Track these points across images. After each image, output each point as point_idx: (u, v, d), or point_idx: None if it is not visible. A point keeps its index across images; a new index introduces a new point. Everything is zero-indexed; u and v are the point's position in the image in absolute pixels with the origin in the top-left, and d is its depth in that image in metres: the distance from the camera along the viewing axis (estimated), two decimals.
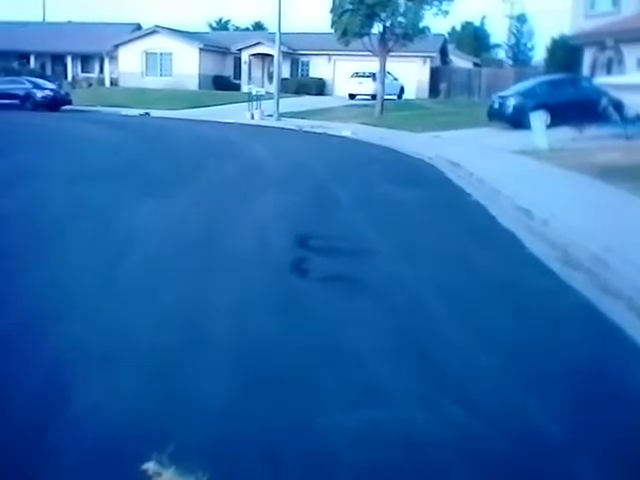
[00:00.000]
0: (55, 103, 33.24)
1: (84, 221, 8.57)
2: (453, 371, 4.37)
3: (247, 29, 71.20)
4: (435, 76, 43.96)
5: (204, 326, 5.03)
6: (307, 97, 40.04)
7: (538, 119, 17.90)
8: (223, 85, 45.84)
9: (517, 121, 21.22)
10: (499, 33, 65.05)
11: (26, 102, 32.69)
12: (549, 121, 18.90)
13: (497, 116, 23.19)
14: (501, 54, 65.09)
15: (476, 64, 52.62)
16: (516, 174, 13.45)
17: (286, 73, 43.39)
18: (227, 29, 73.44)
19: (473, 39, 64.66)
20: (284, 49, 36.82)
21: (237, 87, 45.24)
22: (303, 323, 5.21)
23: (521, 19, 60.95)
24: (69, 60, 51.12)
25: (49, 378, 4.06)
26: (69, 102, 34.29)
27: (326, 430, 3.51)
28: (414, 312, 5.52)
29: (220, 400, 3.84)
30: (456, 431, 3.57)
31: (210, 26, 74.86)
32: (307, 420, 3.62)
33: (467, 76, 44.67)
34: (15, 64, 47.15)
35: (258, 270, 6.62)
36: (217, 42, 49.33)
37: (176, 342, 4.68)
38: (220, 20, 79.08)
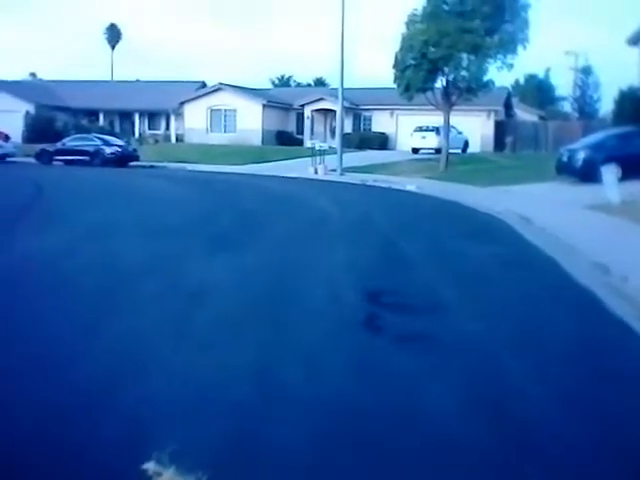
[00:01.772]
0: (123, 159, 33.99)
1: (157, 276, 8.55)
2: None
3: (309, 85, 72.30)
4: (500, 129, 43.67)
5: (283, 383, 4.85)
6: (370, 151, 40.13)
7: (610, 172, 17.41)
8: (286, 140, 46.36)
9: (587, 175, 20.72)
10: (564, 85, 64.45)
11: (95, 158, 33.53)
12: (620, 174, 18.37)
13: (566, 170, 22.71)
14: (566, 107, 64.46)
15: (541, 117, 52.15)
16: (589, 229, 13.01)
17: (348, 128, 43.67)
18: (289, 85, 74.77)
19: (537, 92, 64.31)
20: (346, 104, 37.07)
21: (300, 142, 45.67)
22: (380, 383, 4.94)
23: (586, 71, 60.33)
24: (136, 117, 52.50)
25: None
26: (137, 158, 35.04)
27: None
28: (493, 375, 5.21)
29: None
30: None
31: (272, 83, 76.42)
32: None
33: (533, 129, 44.27)
34: (85, 121, 48.65)
35: (330, 327, 6.45)
36: (280, 98, 50.11)
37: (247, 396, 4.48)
38: (282, 77, 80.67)
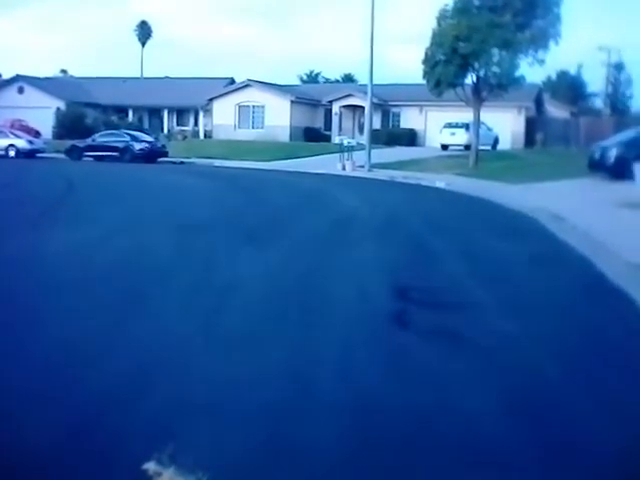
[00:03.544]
0: (152, 155, 34.15)
1: (188, 270, 8.58)
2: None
3: (337, 81, 72.16)
4: (530, 126, 43.23)
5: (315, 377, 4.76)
6: (398, 148, 39.92)
7: None
8: (314, 136, 46.30)
9: (619, 172, 20.45)
10: (596, 81, 63.63)
11: (125, 154, 33.73)
12: None
13: (598, 167, 22.40)
14: (598, 103, 63.63)
15: (573, 113, 51.53)
16: (622, 227, 12.73)
17: (377, 124, 43.45)
18: (317, 82, 74.66)
19: (569, 88, 63.52)
20: (375, 100, 36.89)
21: (328, 138, 45.59)
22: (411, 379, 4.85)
23: (618, 67, 59.53)
24: (165, 113, 52.77)
25: None
26: (165, 154, 35.20)
27: None
28: (529, 378, 5.07)
29: None
30: None
31: (301, 79, 76.34)
32: None
33: (564, 126, 43.79)
34: (114, 118, 48.97)
35: (360, 321, 6.39)
36: (308, 94, 50.06)
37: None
38: (311, 73, 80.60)
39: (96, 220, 13.05)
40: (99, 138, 35.69)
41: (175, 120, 53.11)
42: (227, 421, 4.19)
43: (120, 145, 34.32)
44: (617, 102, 59.39)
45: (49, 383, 4.71)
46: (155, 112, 53.19)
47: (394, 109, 47.15)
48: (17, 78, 51.22)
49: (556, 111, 50.51)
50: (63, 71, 66.34)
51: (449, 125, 39.91)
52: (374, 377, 5.04)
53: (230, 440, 3.90)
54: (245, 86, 48.64)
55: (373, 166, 29.97)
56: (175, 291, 7.60)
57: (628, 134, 23.88)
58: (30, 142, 37.04)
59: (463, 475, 3.64)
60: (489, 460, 3.80)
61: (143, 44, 76.41)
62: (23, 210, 14.42)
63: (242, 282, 8.05)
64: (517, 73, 28.19)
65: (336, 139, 40.24)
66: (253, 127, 47.75)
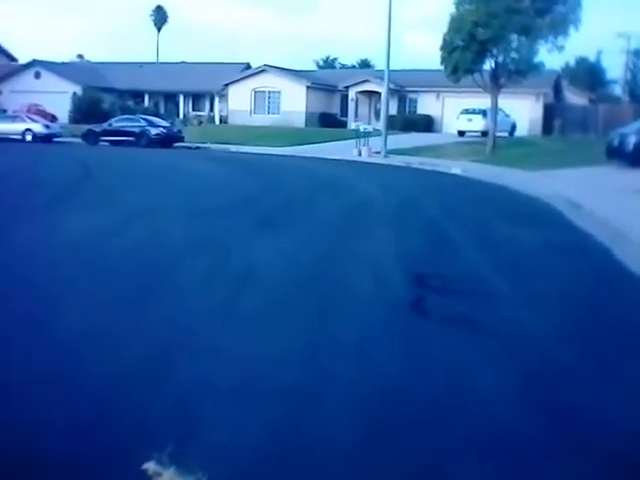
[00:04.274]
0: (168, 140, 34.20)
1: (205, 254, 8.58)
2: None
3: (353, 67, 71.87)
4: (549, 113, 42.89)
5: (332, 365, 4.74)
6: (415, 134, 39.73)
7: None
8: (330, 122, 46.17)
9: (638, 159, 20.21)
10: (615, 68, 63.00)
11: (141, 139, 33.80)
12: None
13: (616, 154, 22.17)
14: (617, 90, 63.06)
15: (591, 100, 51.08)
16: None
17: (393, 110, 43.27)
18: (334, 67, 74.42)
19: (588, 75, 62.98)
20: (392, 86, 36.70)
21: (344, 124, 45.45)
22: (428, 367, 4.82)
23: (638, 54, 58.95)
24: (181, 99, 52.81)
25: None
26: (181, 139, 35.24)
27: None
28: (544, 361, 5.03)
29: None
30: None
31: (317, 64, 76.13)
32: None
33: (582, 113, 43.39)
34: (131, 103, 49.09)
35: (377, 309, 6.34)
36: (324, 80, 49.89)
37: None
38: (327, 58, 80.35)
39: (112, 204, 13.07)
40: (115, 123, 35.77)
41: (191, 105, 53.12)
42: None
43: (136, 130, 34.38)
44: (636, 89, 58.82)
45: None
46: (171, 97, 53.22)
47: (411, 95, 46.92)
48: (34, 63, 51.33)
49: (574, 98, 50.10)
50: (80, 56, 66.41)
51: (466, 111, 39.66)
52: (391, 363, 5.02)
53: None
54: (261, 71, 48.54)
55: (389, 152, 29.86)
56: (196, 276, 7.59)
57: None
58: (47, 126, 37.18)
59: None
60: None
61: (159, 29, 76.38)
62: (38, 194, 14.43)
63: (260, 267, 8.04)
64: (536, 59, 27.97)
65: (352, 125, 40.13)
66: (269, 112, 47.68)
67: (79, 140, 35.39)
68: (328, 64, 77.79)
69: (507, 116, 38.91)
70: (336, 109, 49.19)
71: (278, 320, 5.97)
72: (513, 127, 40.60)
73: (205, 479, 2.71)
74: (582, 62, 65.64)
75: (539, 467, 3.57)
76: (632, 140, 21.59)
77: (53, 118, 42.63)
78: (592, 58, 66.86)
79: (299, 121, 45.75)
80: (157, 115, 41.95)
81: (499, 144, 29.85)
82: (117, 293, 6.69)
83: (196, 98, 53.00)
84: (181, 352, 5.08)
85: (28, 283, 7.10)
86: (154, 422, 3.88)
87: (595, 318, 6.40)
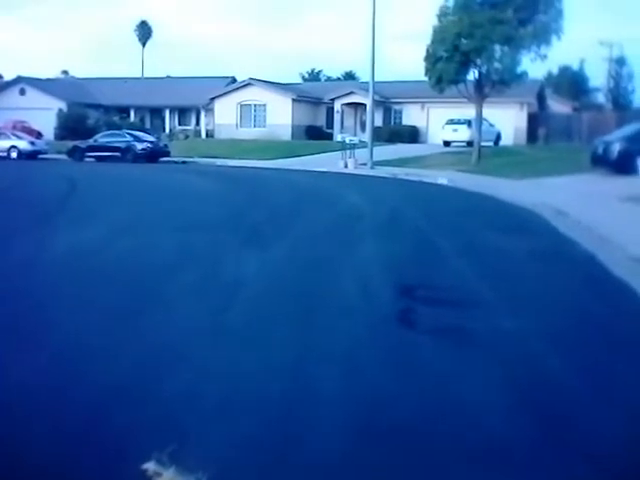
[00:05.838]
0: (154, 155, 34.14)
1: (189, 271, 8.52)
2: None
3: (338, 79, 72.08)
4: (533, 122, 43.15)
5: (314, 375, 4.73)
6: (400, 145, 39.82)
7: None
8: (316, 135, 46.27)
9: (622, 166, 20.40)
10: (598, 77, 63.47)
11: (127, 154, 33.71)
12: None
13: (601, 162, 22.33)
14: (600, 98, 63.46)
15: (575, 109, 51.40)
16: (626, 222, 12.67)
17: (379, 121, 43.40)
18: (319, 80, 74.61)
19: (571, 83, 63.39)
20: (377, 97, 36.84)
21: (329, 136, 45.53)
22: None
23: (620, 62, 59.35)
24: (167, 113, 52.78)
25: None
26: (167, 154, 35.18)
27: None
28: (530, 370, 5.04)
29: None
30: None
31: (302, 77, 76.31)
32: None
33: (566, 121, 43.70)
34: (116, 118, 48.98)
35: (363, 321, 6.34)
36: (309, 92, 50.06)
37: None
38: (312, 71, 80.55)
39: (98, 221, 13.02)
40: (101, 139, 35.67)
41: (177, 120, 53.10)
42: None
43: (122, 145, 34.30)
44: (619, 97, 59.17)
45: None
46: (157, 112, 53.19)
47: (396, 106, 47.07)
48: (19, 79, 51.24)
49: (558, 106, 50.40)
50: (64, 72, 66.34)
51: (451, 122, 39.85)
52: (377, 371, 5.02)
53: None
54: (246, 85, 48.60)
55: (375, 163, 29.93)
56: (182, 290, 7.56)
57: (631, 128, 23.79)
58: (32, 143, 37.07)
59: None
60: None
61: (144, 44, 76.43)
62: (24, 212, 14.36)
63: (248, 280, 8.03)
64: (519, 69, 28.19)
65: (338, 137, 40.11)
66: (255, 126, 47.71)
67: (65, 157, 35.28)
68: (313, 77, 77.99)
69: (492, 126, 39.10)
70: (322, 121, 49.31)
71: (260, 334, 5.95)
72: (498, 137, 40.79)
73: (205, 479, 2.70)
74: (565, 71, 66.04)
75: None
76: (616, 148, 21.74)
77: (38, 135, 42.47)
78: (575, 67, 67.34)
79: (285, 134, 45.81)
80: (143, 130, 41.85)
81: (484, 154, 29.98)
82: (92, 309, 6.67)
83: (182, 112, 52.99)
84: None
85: None
86: None
87: (584, 324, 6.44)
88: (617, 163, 21.24)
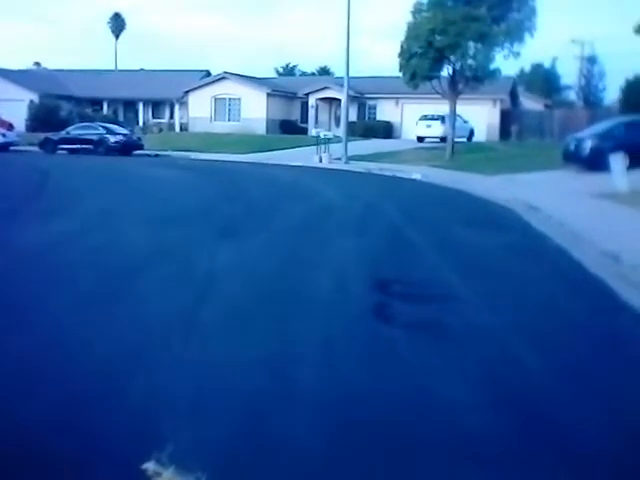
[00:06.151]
0: (127, 148, 33.89)
1: (165, 263, 8.52)
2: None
3: (313, 74, 72.07)
4: (506, 118, 43.47)
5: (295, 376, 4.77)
6: (375, 140, 39.93)
7: (617, 161, 17.24)
8: (290, 129, 46.26)
9: (594, 163, 20.58)
10: (569, 74, 64.15)
11: (99, 147, 33.43)
12: (628, 163, 18.21)
13: (573, 158, 22.58)
14: (572, 96, 64.17)
15: (547, 106, 51.90)
16: (597, 217, 12.89)
17: (353, 116, 43.43)
18: (294, 74, 74.53)
19: (543, 81, 64.01)
20: (351, 93, 36.85)
21: (304, 131, 45.52)
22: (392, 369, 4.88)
23: (591, 60, 60.06)
24: (141, 106, 52.42)
25: None
26: (141, 147, 34.95)
27: None
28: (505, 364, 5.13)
29: None
30: None
31: (277, 72, 76.17)
32: None
33: (538, 118, 44.10)
34: (89, 110, 48.55)
35: (340, 315, 6.38)
36: (284, 87, 49.95)
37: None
38: (287, 66, 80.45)
39: (70, 213, 12.94)
40: (73, 131, 35.32)
41: (151, 113, 52.75)
42: None
43: (95, 138, 34.00)
44: (590, 95, 59.96)
45: None
46: (130, 105, 52.80)
47: (370, 102, 47.16)
48: None
49: (530, 103, 50.84)
50: (37, 64, 65.50)
51: (425, 117, 39.99)
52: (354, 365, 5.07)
53: None
54: (221, 79, 48.40)
55: (350, 158, 29.98)
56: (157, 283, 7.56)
57: (603, 126, 24.07)
58: (3, 135, 36.58)
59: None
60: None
61: (117, 36, 75.68)
62: None
63: (223, 272, 8.05)
64: (492, 66, 28.34)
65: (313, 132, 40.14)
66: (229, 120, 47.53)
67: (36, 149, 34.90)
68: (288, 71, 77.89)
69: (465, 122, 39.33)
70: (296, 116, 49.28)
71: (236, 329, 5.96)
72: (471, 133, 41.06)
73: (204, 479, 2.72)
74: (537, 68, 66.73)
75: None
76: (588, 145, 21.99)
77: (10, 126, 41.89)
78: (547, 64, 68.10)
79: (260, 128, 45.70)
80: (116, 123, 41.50)
81: (458, 149, 30.17)
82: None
83: (156, 105, 52.64)
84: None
85: None
86: None
87: (558, 317, 6.54)
88: (589, 160, 21.45)
